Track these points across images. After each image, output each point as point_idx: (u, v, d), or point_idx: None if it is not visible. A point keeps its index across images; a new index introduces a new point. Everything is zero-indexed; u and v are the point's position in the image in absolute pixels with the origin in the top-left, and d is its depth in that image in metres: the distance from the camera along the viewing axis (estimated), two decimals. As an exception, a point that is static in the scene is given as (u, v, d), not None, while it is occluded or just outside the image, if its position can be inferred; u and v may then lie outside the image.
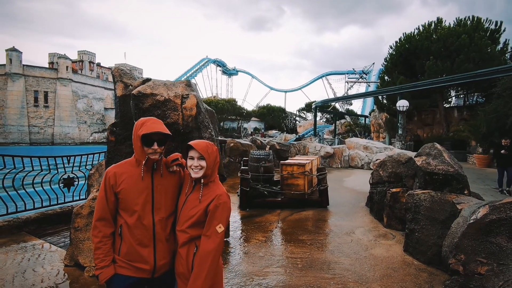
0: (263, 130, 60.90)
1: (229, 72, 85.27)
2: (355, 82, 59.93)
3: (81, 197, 5.33)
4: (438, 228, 3.36)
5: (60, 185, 5.23)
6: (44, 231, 4.46)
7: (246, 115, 62.16)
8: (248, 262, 3.54)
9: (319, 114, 62.27)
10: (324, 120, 61.12)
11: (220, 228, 1.55)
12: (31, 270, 3.24)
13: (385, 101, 23.78)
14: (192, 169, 1.62)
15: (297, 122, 64.41)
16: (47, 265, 3.38)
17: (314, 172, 6.13)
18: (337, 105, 59.32)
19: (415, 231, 3.56)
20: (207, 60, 75.41)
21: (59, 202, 5.16)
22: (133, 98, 3.14)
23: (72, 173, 5.38)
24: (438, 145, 4.15)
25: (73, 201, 5.34)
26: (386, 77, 21.95)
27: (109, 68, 53.41)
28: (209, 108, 3.98)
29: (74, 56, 46.15)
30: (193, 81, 69.31)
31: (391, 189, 4.59)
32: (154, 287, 1.66)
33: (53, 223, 4.73)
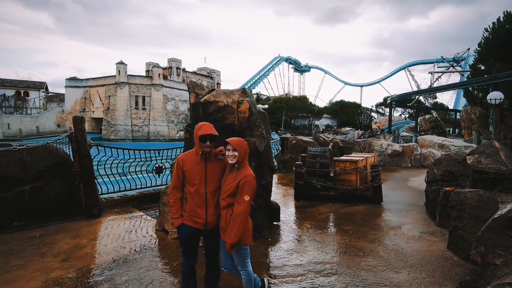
0: (335, 127, 58.91)
1: (301, 69, 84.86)
2: (443, 72, 52.29)
3: (168, 182, 6.72)
4: (482, 226, 3.33)
5: (153, 172, 6.71)
6: (143, 206, 5.90)
7: (318, 112, 61.13)
8: (292, 242, 4.13)
9: (400, 109, 56.73)
10: (407, 115, 55.51)
11: (246, 198, 2.24)
12: (134, 231, 4.52)
13: (479, 93, 20.57)
14: (229, 157, 2.34)
15: (373, 118, 60.16)
16: (144, 229, 4.63)
17: (368, 169, 6.24)
18: (422, 99, 53.03)
19: (458, 228, 3.57)
20: (279, 58, 76.60)
21: (152, 185, 6.64)
22: (201, 104, 4.06)
23: (161, 163, 6.82)
24: (496, 144, 3.95)
25: (162, 184, 6.76)
26: (479, 65, 18.99)
27: (193, 73, 59.62)
28: (262, 110, 4.69)
29: (164, 63, 52.87)
30: (265, 80, 71.48)
31: (444, 188, 4.51)
32: (206, 236, 2.46)
33: (149, 200, 6.17)
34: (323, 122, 63.04)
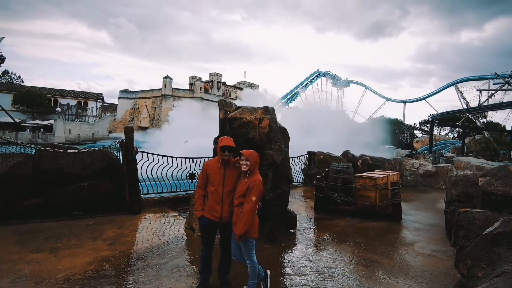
0: (374, 145, 56.67)
1: (340, 84, 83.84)
2: (495, 90, 48.02)
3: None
4: (485, 246, 3.43)
5: (187, 178, 7.49)
6: (176, 207, 6.65)
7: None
8: (304, 248, 4.51)
9: (447, 128, 52.83)
10: (456, 135, 51.72)
11: (253, 198, 2.76)
12: (167, 227, 5.22)
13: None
14: (242, 165, 2.89)
15: (416, 136, 56.86)
16: (175, 226, 5.31)
17: (389, 186, 6.36)
18: (473, 118, 49.07)
19: (465, 247, 3.68)
20: (317, 73, 76.65)
21: (185, 189, 7.41)
22: (228, 120, 4.71)
23: (194, 170, 7.59)
24: (511, 167, 3.99)
25: (193, 190, 7.50)
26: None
27: (232, 86, 62.13)
28: (282, 126, 5.20)
29: (206, 77, 55.94)
30: (303, 94, 71.69)
31: (459, 209, 4.56)
32: (221, 229, 3.01)
33: (181, 203, 6.92)
34: (361, 139, 61.11)
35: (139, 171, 6.33)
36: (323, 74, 78.39)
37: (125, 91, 48.41)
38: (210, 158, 8.41)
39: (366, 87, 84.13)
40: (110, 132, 44.41)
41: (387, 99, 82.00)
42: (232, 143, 3.02)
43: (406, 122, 64.32)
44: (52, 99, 48.07)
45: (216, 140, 4.99)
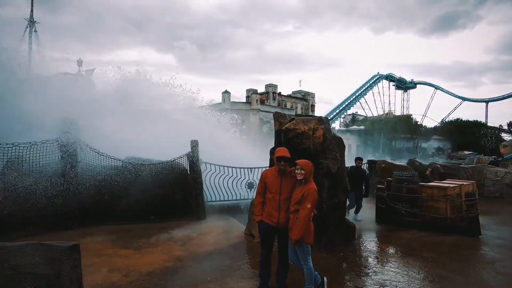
0: (449, 151, 50.48)
1: (404, 86, 77.49)
2: None
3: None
4: None
5: (246, 186, 7.90)
6: (236, 214, 7.06)
7: (425, 133, 54.01)
8: (363, 259, 4.40)
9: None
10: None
11: (308, 205, 2.90)
12: (229, 233, 5.62)
13: None
14: (298, 174, 3.07)
15: (505, 140, 48.87)
16: (236, 231, 5.68)
17: (462, 197, 5.75)
18: None
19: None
20: (378, 76, 72.28)
21: (244, 198, 7.81)
22: (283, 131, 4.94)
23: (252, 179, 7.97)
24: None
25: (252, 198, 7.86)
26: None
27: (287, 96, 62.62)
28: (337, 136, 5.21)
29: (262, 88, 57.50)
30: (362, 99, 68.21)
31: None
32: (278, 234, 3.21)
33: (241, 210, 7.30)
34: (432, 144, 55.22)
35: (203, 180, 6.96)
36: (385, 77, 73.55)
37: (189, 107, 52.76)
38: (266, 168, 8.74)
39: (436, 87, 76.20)
40: (177, 145, 48.69)
41: (464, 98, 72.83)
42: (287, 153, 3.23)
43: (489, 124, 56.07)
44: (130, 117, 54.99)
45: (272, 151, 5.26)
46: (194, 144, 6.63)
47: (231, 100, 45.53)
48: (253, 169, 8.28)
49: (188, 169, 6.71)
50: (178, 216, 6.41)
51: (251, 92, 49.71)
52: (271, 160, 5.40)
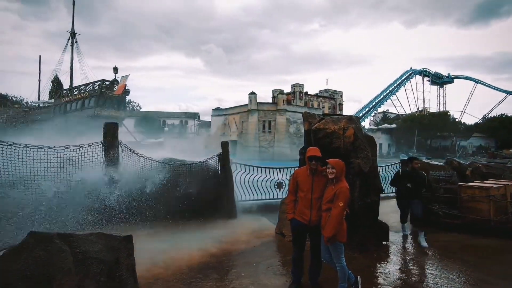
0: (492, 149, 46.78)
1: (440, 81, 73.14)
2: None
3: (286, 195, 7.83)
4: None
5: (275, 186, 7.98)
6: (266, 214, 7.17)
7: (465, 131, 50.58)
8: (397, 260, 4.31)
9: None
10: None
11: (340, 204, 2.94)
12: (260, 231, 5.74)
13: None
14: (329, 173, 3.11)
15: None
16: (267, 230, 5.79)
17: (508, 198, 5.39)
18: None
19: None
20: (411, 72, 68.84)
21: (274, 197, 7.90)
22: (312, 131, 4.96)
23: (281, 179, 8.04)
24: None
25: (281, 198, 7.93)
26: None
27: (314, 95, 61.70)
28: (368, 135, 5.13)
29: (288, 88, 57.16)
30: (394, 96, 65.33)
31: None
32: (311, 232, 3.26)
33: (271, 209, 7.40)
34: (473, 142, 51.57)
35: (234, 180, 7.15)
36: (418, 72, 69.88)
37: (217, 109, 53.88)
38: (295, 168, 8.76)
39: (476, 81, 71.12)
40: (205, 147, 49.93)
41: (508, 92, 67.14)
42: (318, 153, 3.28)
43: (539, 119, 51.21)
44: (161, 120, 57.35)
45: (302, 151, 5.30)
46: (225, 144, 6.84)
47: (257, 101, 45.81)
48: (282, 169, 8.35)
49: (219, 169, 6.94)
50: (211, 214, 6.64)
51: (277, 93, 49.67)
52: (301, 160, 5.45)
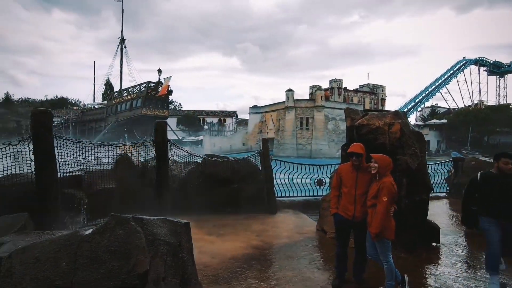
0: None
1: (500, 70, 65.74)
2: None
3: (326, 192, 7.75)
4: None
5: (315, 184, 7.95)
6: (307, 210, 7.18)
7: (531, 125, 44.86)
8: (452, 263, 4.08)
9: None
10: None
11: (384, 198, 2.89)
12: (301, 227, 5.78)
13: None
14: (371, 168, 3.07)
15: None
16: (307, 227, 5.81)
17: None
18: None
19: None
20: (464, 61, 62.84)
21: (313, 194, 7.87)
22: (355, 127, 4.87)
23: (321, 177, 7.97)
24: None
25: (321, 195, 7.87)
26: None
27: (354, 91, 59.35)
28: (416, 131, 4.88)
29: (326, 84, 55.73)
30: (444, 89, 60.25)
31: None
32: (354, 228, 3.25)
33: (311, 206, 7.40)
34: (541, 138, 45.59)
35: (273, 176, 7.27)
36: (473, 62, 63.53)
37: (254, 107, 54.45)
38: (336, 165, 8.60)
39: (546, 69, 62.59)
40: (243, 144, 50.80)
41: None
42: (358, 149, 3.25)
43: None
44: (201, 118, 59.59)
45: (343, 147, 5.23)
46: (265, 141, 6.98)
47: (294, 98, 45.38)
48: (322, 166, 8.27)
49: (260, 165, 7.10)
50: (251, 209, 6.83)
51: (314, 89, 48.68)
52: (342, 157, 5.37)
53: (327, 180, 7.90)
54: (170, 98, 47.04)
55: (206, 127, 53.96)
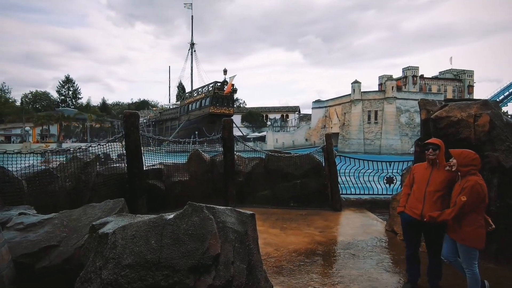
0: None
1: None
2: None
3: (398, 191, 7.18)
4: None
5: (384, 181, 7.43)
6: (374, 210, 6.79)
7: None
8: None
9: None
10: None
11: (463, 198, 2.59)
12: (368, 226, 5.50)
13: None
14: (451, 165, 2.76)
15: None
16: (375, 227, 5.50)
17: None
18: None
19: None
20: None
21: (382, 193, 7.37)
22: (432, 120, 4.39)
23: (392, 174, 7.40)
24: None
25: (392, 194, 7.32)
26: None
27: (433, 78, 52.76)
28: (511, 121, 4.15)
29: (398, 73, 50.90)
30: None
31: None
32: (425, 230, 2.98)
33: (379, 205, 6.96)
34: None
35: (338, 172, 7.05)
36: None
37: (317, 101, 53.09)
38: (408, 161, 7.90)
39: None
40: (306, 140, 50.11)
41: None
42: (436, 140, 2.98)
43: None
44: (264, 115, 60.78)
45: (417, 143, 4.78)
46: (328, 137, 6.82)
47: (361, 90, 42.64)
48: (393, 163, 7.68)
49: (323, 161, 6.97)
50: (315, 205, 6.78)
51: (384, 79, 45.05)
52: (416, 153, 4.93)
53: (398, 178, 7.32)
54: (235, 96, 49.15)
55: (269, 123, 54.87)
